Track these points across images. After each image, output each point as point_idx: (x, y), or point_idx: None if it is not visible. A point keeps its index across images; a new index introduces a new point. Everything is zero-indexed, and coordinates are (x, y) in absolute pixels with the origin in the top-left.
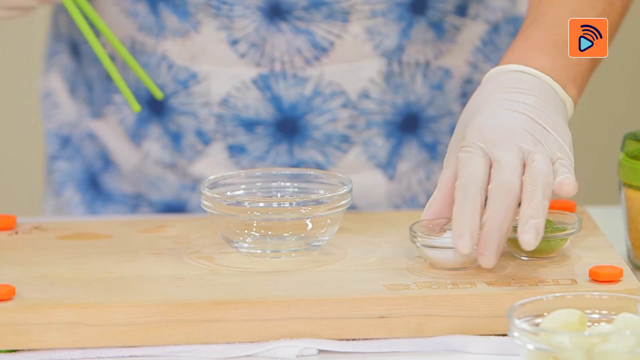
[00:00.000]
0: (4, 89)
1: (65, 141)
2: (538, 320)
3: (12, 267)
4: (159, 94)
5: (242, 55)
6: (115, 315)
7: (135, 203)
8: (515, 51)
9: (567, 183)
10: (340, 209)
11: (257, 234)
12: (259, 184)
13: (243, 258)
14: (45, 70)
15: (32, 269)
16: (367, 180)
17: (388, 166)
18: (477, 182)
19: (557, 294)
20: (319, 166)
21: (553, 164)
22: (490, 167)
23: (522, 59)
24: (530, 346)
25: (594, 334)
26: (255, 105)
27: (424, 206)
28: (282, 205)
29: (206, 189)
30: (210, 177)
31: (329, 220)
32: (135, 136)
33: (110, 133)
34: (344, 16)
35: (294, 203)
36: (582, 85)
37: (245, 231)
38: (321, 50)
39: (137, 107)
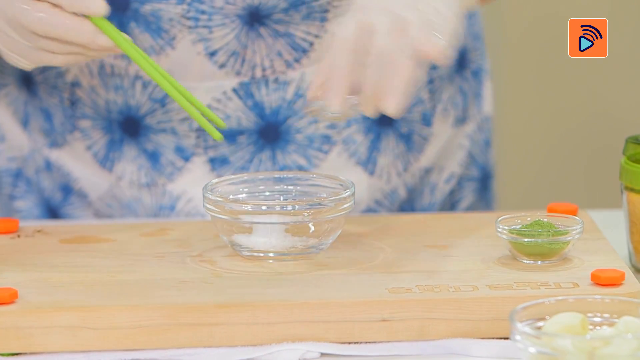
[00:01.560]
0: None
1: (17, 176)
2: (540, 324)
3: (15, 271)
4: (217, 135)
5: (222, 66)
6: (118, 319)
7: None
8: None
9: (433, 43)
10: (343, 213)
11: (260, 237)
12: (261, 187)
13: (245, 261)
14: None
15: (35, 273)
16: (348, 179)
17: (368, 162)
18: (346, 42)
19: (559, 298)
20: (302, 169)
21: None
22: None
23: None
24: (532, 349)
25: (595, 338)
26: (237, 114)
27: (404, 200)
28: (284, 208)
29: (209, 192)
30: (213, 181)
31: (332, 224)
32: (106, 160)
33: (75, 161)
34: (322, 15)
35: (296, 206)
36: None
37: (248, 234)
38: (301, 52)
39: (217, 135)
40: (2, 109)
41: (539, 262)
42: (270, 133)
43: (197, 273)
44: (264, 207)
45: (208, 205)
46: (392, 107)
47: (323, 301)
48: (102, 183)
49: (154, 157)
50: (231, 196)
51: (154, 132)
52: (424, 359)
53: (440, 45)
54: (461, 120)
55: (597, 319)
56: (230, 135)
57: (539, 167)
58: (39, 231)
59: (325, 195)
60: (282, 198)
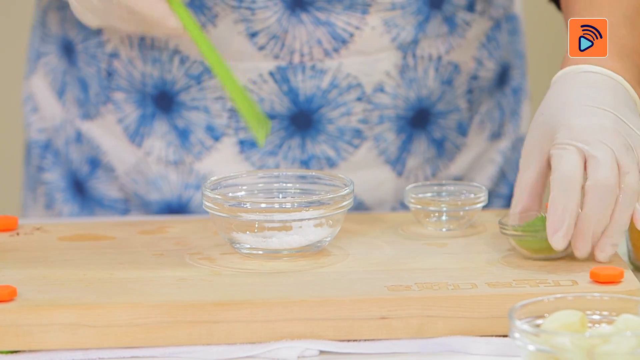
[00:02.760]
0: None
1: (46, 148)
2: (539, 321)
3: (14, 268)
4: (262, 141)
5: (261, 48)
6: (117, 316)
7: (125, 208)
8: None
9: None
10: (342, 210)
11: (259, 235)
12: (260, 185)
13: (244, 259)
14: (27, 74)
15: (34, 270)
16: (375, 177)
17: (397, 162)
18: (573, 178)
19: (558, 295)
20: (329, 161)
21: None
22: (585, 165)
23: (591, 61)
24: (531, 347)
25: (594, 335)
26: (271, 98)
27: None
28: (283, 206)
29: (208, 190)
30: (212, 178)
31: (331, 221)
32: (136, 135)
33: (105, 133)
34: (364, 8)
35: (295, 204)
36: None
37: (247, 232)
38: (340, 41)
39: (262, 141)
40: (39, 78)
41: (540, 258)
42: (302, 120)
43: (196, 271)
44: (262, 205)
45: (207, 203)
46: (603, 259)
47: (322, 299)
48: (130, 158)
49: (184, 135)
50: (230, 194)
51: (187, 109)
52: (423, 357)
53: None
54: (496, 136)
55: (596, 317)
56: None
57: None
58: (38, 229)
59: (324, 193)
60: (280, 196)
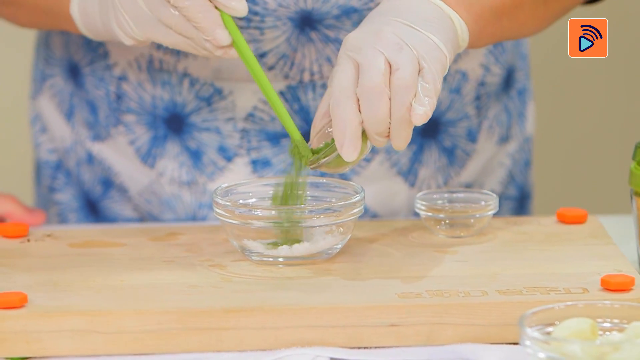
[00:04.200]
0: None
1: (57, 168)
2: (549, 329)
3: (24, 275)
4: (306, 160)
5: (271, 68)
6: (127, 323)
7: None
8: None
9: (417, 114)
10: (353, 217)
11: (269, 242)
12: (271, 192)
13: (255, 266)
14: (33, 94)
15: (44, 277)
16: (388, 189)
17: (409, 173)
18: (343, 89)
19: (569, 303)
20: (342, 176)
21: (419, 72)
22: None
23: None
24: (542, 355)
25: (605, 343)
26: None
27: None
28: (294, 213)
29: (218, 197)
30: (223, 185)
31: (342, 229)
32: (148, 156)
33: (117, 155)
34: None
35: (306, 211)
36: (481, 18)
37: (257, 239)
38: None
39: (306, 160)
40: (46, 100)
41: (329, 170)
42: None
43: (206, 277)
44: (273, 212)
45: (218, 210)
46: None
47: (332, 306)
48: (143, 179)
49: (196, 156)
50: (240, 201)
51: (198, 130)
52: None
53: (424, 114)
54: (504, 139)
55: (606, 325)
56: (274, 138)
57: (548, 172)
58: (48, 235)
59: (335, 200)
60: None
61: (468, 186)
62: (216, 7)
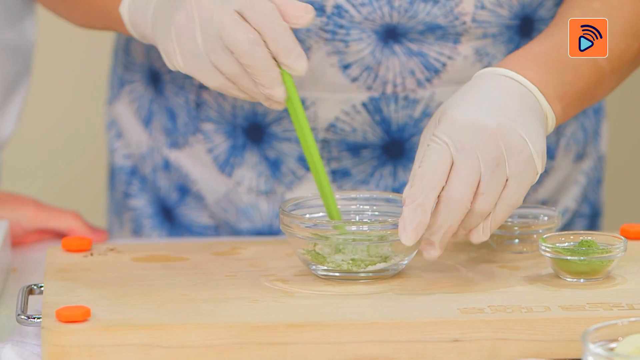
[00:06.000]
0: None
1: (132, 174)
2: (612, 345)
3: (87, 289)
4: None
5: (354, 80)
6: (189, 337)
7: (215, 235)
8: (513, 58)
9: (474, 240)
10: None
11: (335, 257)
12: (338, 207)
13: (318, 281)
14: (110, 100)
15: (107, 291)
16: None
17: None
18: (433, 178)
19: (632, 319)
20: None
21: (502, 188)
22: (452, 167)
23: (516, 67)
24: None
25: None
26: (363, 128)
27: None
28: (360, 228)
29: (285, 212)
30: (290, 198)
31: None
32: (226, 165)
33: (194, 163)
34: (456, 37)
35: (372, 227)
36: (569, 107)
37: (324, 254)
38: (433, 71)
39: (343, 229)
40: (124, 105)
41: (582, 280)
42: (395, 149)
43: (269, 292)
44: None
45: (284, 225)
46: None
47: (395, 321)
48: (220, 187)
49: (275, 165)
50: (307, 215)
51: (278, 140)
52: None
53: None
54: (580, 157)
55: None
56: (354, 149)
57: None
58: (111, 249)
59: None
60: (357, 218)
61: (543, 203)
62: (278, 65)
